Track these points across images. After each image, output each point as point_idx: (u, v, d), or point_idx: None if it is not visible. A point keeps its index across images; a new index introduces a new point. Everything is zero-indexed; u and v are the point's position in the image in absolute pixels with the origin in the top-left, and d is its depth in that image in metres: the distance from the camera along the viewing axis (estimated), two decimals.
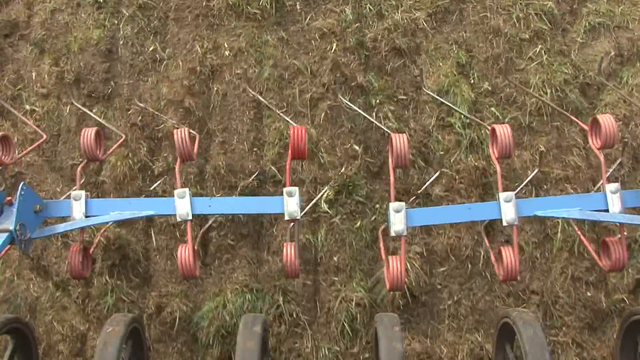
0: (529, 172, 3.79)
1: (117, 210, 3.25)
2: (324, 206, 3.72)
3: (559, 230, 3.71)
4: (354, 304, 3.61)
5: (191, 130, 3.35)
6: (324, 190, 3.73)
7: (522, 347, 2.87)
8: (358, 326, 3.62)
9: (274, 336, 3.61)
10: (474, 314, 3.65)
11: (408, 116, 3.92)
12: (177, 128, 3.24)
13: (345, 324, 3.61)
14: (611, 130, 3.15)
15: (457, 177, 3.78)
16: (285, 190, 3.20)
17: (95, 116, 3.83)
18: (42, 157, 3.98)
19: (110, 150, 3.66)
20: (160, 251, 3.78)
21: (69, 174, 3.94)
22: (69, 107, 4.02)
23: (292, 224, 3.24)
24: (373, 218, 3.77)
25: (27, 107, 4.04)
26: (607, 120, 3.16)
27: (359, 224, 3.73)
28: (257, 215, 3.77)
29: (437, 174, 3.76)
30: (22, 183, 3.18)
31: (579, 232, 3.51)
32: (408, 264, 3.62)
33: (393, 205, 3.16)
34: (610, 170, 3.56)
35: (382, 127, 3.68)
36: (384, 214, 3.75)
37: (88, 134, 3.31)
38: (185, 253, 3.15)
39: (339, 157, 3.82)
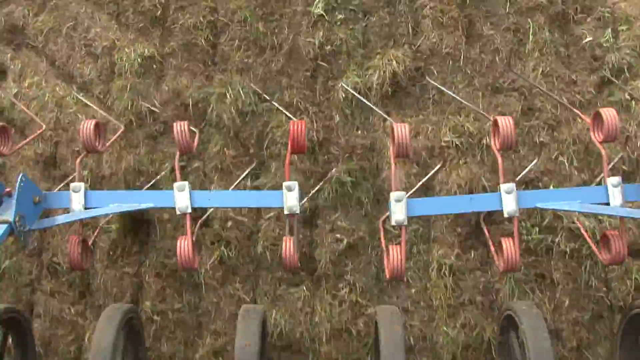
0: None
1: (117, 202, 3.27)
2: (320, 9, 4.14)
3: (530, 33, 4.16)
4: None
5: (191, 127, 3.51)
6: None
7: (524, 338, 3.02)
8: (348, 111, 4.05)
9: (273, 129, 4.01)
10: (456, 100, 4.05)
11: None
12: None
13: (343, 109, 4.05)
14: (613, 123, 3.21)
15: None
16: (284, 184, 3.23)
17: (95, 107, 3.96)
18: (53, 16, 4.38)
19: (110, 142, 3.66)
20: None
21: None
22: None
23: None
24: (365, 24, 4.20)
25: None
26: (609, 114, 3.24)
27: (352, 27, 4.16)
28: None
29: (438, 167, 3.92)
30: (21, 175, 3.21)
31: (580, 226, 3.62)
32: (394, 60, 4.04)
33: (394, 194, 3.16)
34: (612, 163, 3.66)
35: (382, 113, 3.88)
36: (374, 24, 4.19)
37: (87, 126, 3.29)
38: (184, 245, 3.18)
39: None
